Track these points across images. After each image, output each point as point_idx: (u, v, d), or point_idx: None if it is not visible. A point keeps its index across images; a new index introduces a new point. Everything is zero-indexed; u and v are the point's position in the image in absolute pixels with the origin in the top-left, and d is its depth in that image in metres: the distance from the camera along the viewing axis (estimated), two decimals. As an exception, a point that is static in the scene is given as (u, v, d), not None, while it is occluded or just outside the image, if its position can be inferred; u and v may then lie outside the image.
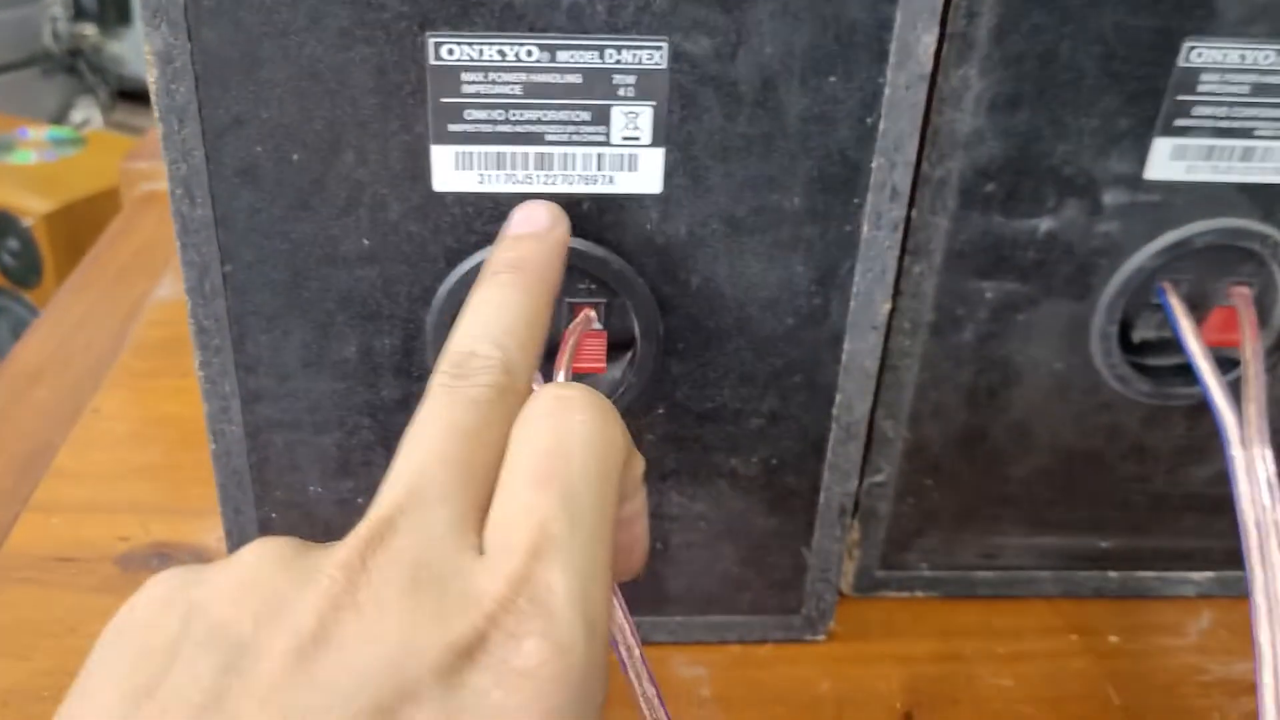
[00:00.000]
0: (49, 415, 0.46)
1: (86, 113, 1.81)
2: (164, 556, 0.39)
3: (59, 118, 1.80)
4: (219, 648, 0.18)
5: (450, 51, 0.27)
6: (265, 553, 0.19)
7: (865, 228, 0.31)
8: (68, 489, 0.42)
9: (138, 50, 1.72)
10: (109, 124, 1.80)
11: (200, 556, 0.39)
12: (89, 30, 1.81)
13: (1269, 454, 0.32)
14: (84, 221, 1.29)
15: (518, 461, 0.21)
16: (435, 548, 0.19)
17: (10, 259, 1.35)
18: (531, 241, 0.27)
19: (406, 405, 0.32)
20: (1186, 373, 0.34)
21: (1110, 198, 0.33)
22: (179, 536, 0.40)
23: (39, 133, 1.47)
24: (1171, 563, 0.40)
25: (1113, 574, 0.40)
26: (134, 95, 1.82)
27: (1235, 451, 0.32)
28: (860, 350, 0.32)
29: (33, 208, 1.30)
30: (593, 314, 0.31)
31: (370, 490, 0.33)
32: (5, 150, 1.41)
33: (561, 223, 0.28)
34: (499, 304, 0.25)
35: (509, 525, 0.20)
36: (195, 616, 0.19)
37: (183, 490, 0.42)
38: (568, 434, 0.21)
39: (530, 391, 0.23)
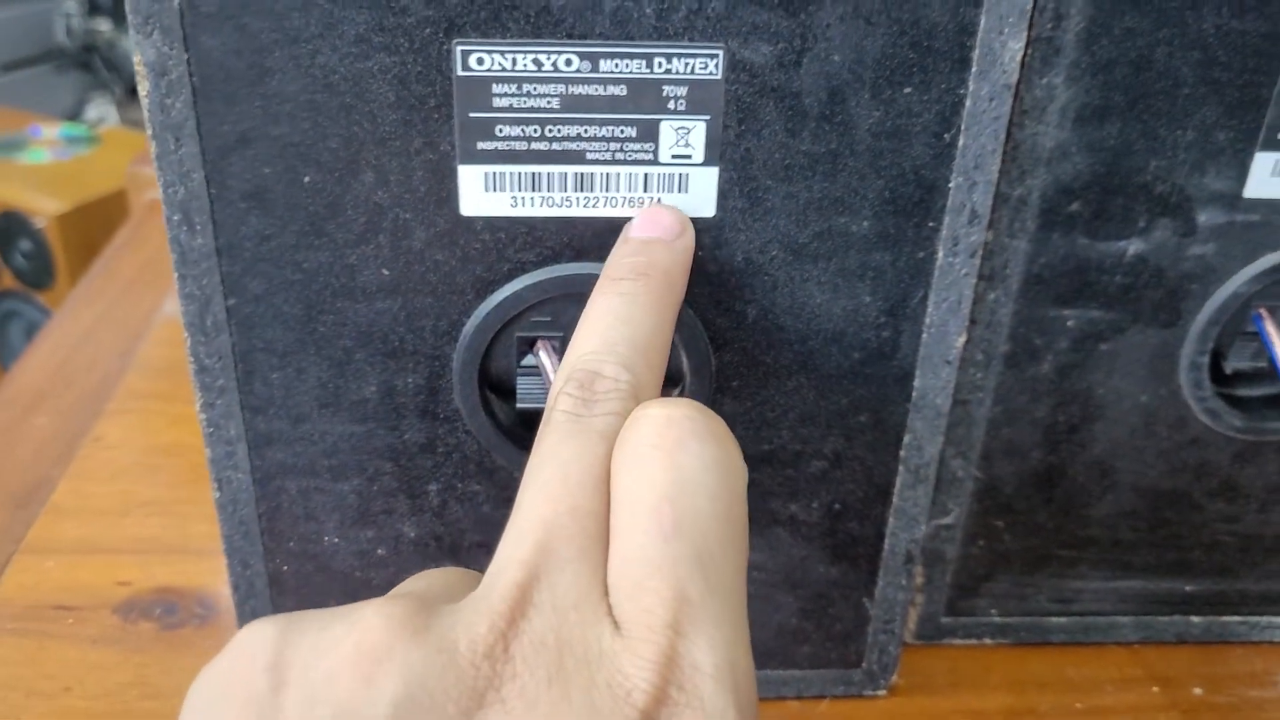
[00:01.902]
0: (48, 445, 0.43)
1: (101, 109, 1.79)
2: (169, 605, 0.36)
3: (73, 114, 1.78)
4: None
5: (480, 61, 0.24)
6: (391, 618, 0.17)
7: (940, 254, 0.28)
8: (65, 527, 0.39)
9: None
10: (124, 121, 1.77)
11: (207, 604, 0.36)
12: (103, 26, 1.79)
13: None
14: (97, 222, 1.26)
15: (636, 506, 0.19)
16: (575, 624, 0.18)
17: (23, 260, 1.33)
18: (658, 247, 0.24)
19: (432, 449, 0.29)
20: (1286, 406, 0.31)
21: (1206, 217, 0.30)
22: (185, 580, 0.37)
23: (51, 130, 1.45)
24: (1260, 607, 0.37)
25: (1196, 619, 0.37)
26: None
27: (1348, 498, 0.29)
28: (932, 387, 0.29)
29: (45, 208, 1.28)
30: (637, 349, 0.28)
31: (393, 541, 0.30)
32: (17, 149, 1.39)
33: (689, 229, 0.25)
34: (624, 317, 0.22)
35: (641, 590, 0.18)
36: (315, 691, 0.17)
37: (189, 527, 0.39)
38: (688, 470, 0.19)
39: None
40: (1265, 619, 0.37)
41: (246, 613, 0.31)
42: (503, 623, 0.17)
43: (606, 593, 0.18)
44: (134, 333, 0.51)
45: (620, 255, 0.24)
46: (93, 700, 0.33)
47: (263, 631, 0.18)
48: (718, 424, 0.20)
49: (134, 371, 0.48)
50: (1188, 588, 0.36)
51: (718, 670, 0.17)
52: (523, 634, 0.17)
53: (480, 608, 0.18)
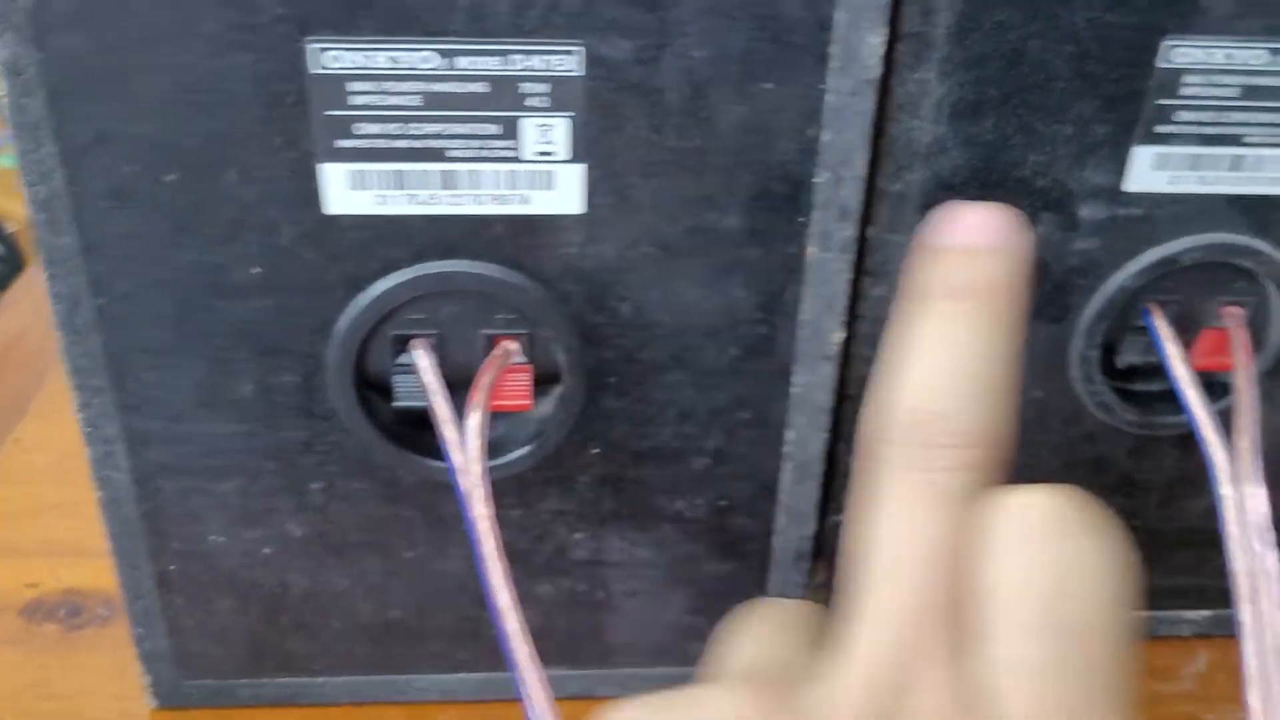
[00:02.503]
0: (-35, 446, 0.43)
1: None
2: (73, 606, 0.36)
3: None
4: None
5: (335, 59, 0.24)
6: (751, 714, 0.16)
7: (812, 249, 0.28)
8: (-23, 529, 0.39)
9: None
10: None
11: (110, 605, 0.36)
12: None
13: (1262, 493, 0.29)
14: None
15: (1022, 601, 0.17)
16: None
17: (-6, 263, 1.33)
18: (989, 258, 0.20)
19: (312, 448, 0.29)
20: (1177, 400, 0.31)
21: (1088, 212, 0.30)
22: (91, 582, 0.37)
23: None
24: (1165, 601, 0.37)
25: (1100, 615, 0.37)
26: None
27: (1225, 490, 0.29)
28: (811, 383, 0.29)
29: (16, 212, 1.28)
30: (513, 347, 0.28)
31: (279, 540, 0.30)
32: (-11, 155, 1.38)
33: (1024, 230, 0.21)
34: (959, 344, 0.19)
35: (1027, 693, 0.16)
36: None
37: (96, 529, 0.39)
38: (1082, 569, 0.17)
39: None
40: (1172, 614, 0.37)
41: (138, 611, 0.31)
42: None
43: (978, 688, 0.17)
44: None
45: (941, 267, 0.20)
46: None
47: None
48: (1100, 517, 0.18)
49: (57, 373, 0.48)
50: (1091, 583, 0.36)
51: None
52: None
53: (850, 705, 0.16)
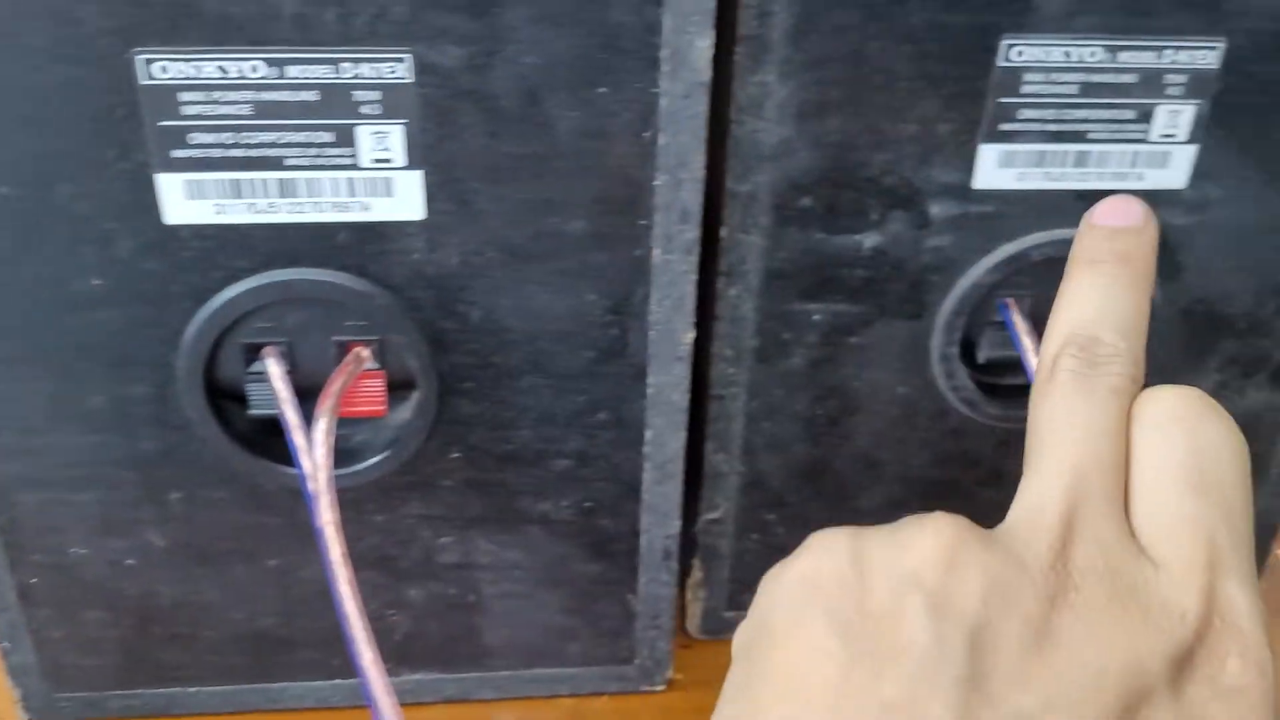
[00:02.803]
0: None
1: None
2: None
3: None
4: (954, 621, 0.19)
5: (163, 69, 0.25)
6: (959, 526, 0.20)
7: (657, 251, 0.28)
8: None
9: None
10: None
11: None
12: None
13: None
14: None
15: (1166, 466, 0.21)
16: (1117, 556, 0.20)
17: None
18: (1131, 236, 0.25)
19: (168, 457, 0.29)
20: (1035, 394, 0.32)
21: (938, 210, 0.30)
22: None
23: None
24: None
25: (980, 606, 0.38)
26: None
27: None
28: (666, 383, 0.30)
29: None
30: (365, 353, 0.28)
31: (142, 550, 0.30)
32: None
33: (1154, 220, 0.26)
34: (1112, 295, 0.24)
35: (1175, 535, 0.20)
36: (902, 578, 0.19)
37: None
38: (1213, 442, 0.21)
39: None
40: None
41: (2, 625, 0.31)
42: (1059, 544, 0.20)
43: (1134, 536, 0.20)
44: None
45: (1093, 239, 0.25)
46: None
47: (835, 536, 0.21)
48: (1225, 411, 0.22)
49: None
50: (968, 575, 0.37)
51: (1251, 606, 0.19)
52: (1076, 557, 0.20)
53: (1035, 533, 0.20)
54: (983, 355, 0.33)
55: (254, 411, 0.28)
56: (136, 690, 0.33)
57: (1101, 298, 0.24)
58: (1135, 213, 0.26)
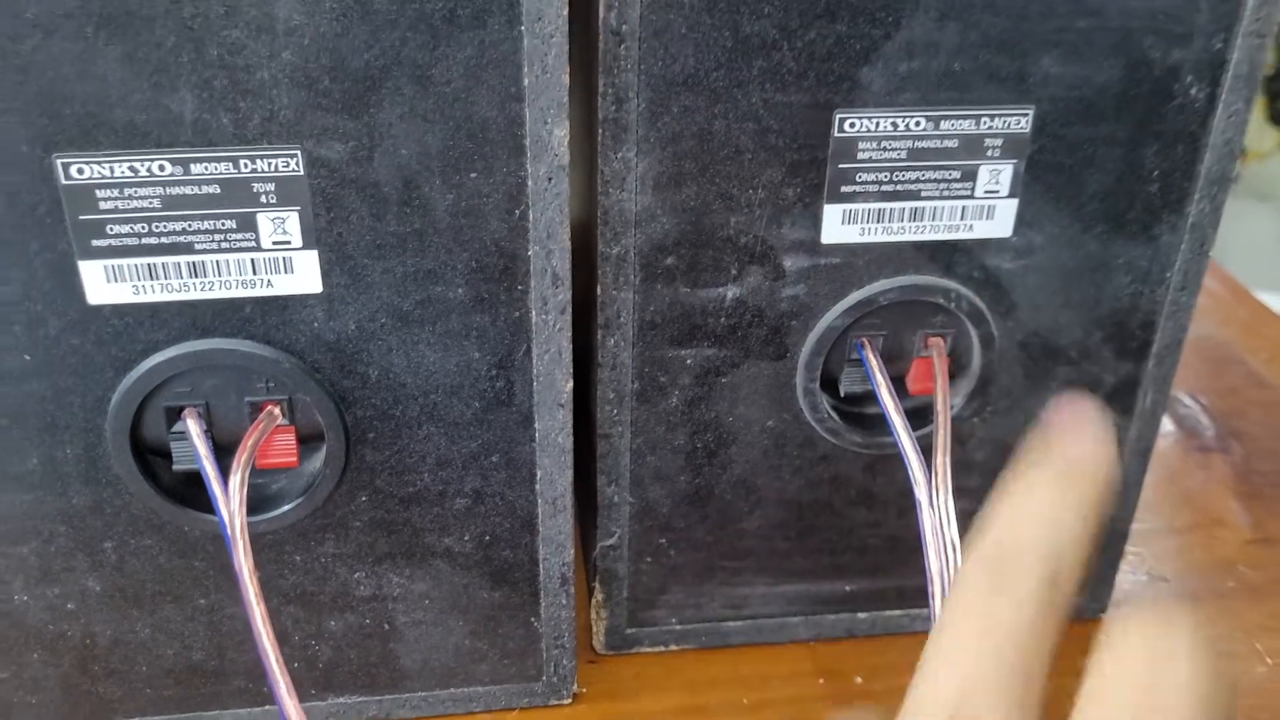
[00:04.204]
0: None
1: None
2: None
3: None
4: None
5: (80, 170, 0.28)
6: None
7: (534, 313, 0.31)
8: None
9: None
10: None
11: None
12: None
13: (952, 506, 0.33)
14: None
15: (1104, 709, 0.19)
16: None
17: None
18: (1093, 446, 0.23)
19: (100, 510, 0.32)
20: (891, 423, 0.35)
21: (791, 263, 0.34)
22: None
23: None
24: (917, 601, 0.41)
25: (862, 615, 0.41)
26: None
27: (922, 502, 0.33)
28: (551, 428, 0.33)
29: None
30: (276, 411, 0.31)
31: (79, 595, 0.33)
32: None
33: (1105, 422, 0.24)
34: (1054, 505, 0.22)
35: None
36: None
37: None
38: (1178, 693, 0.18)
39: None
40: (922, 611, 0.41)
41: (-48, 670, 0.34)
42: None
43: None
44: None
45: (1046, 446, 0.23)
46: None
47: None
48: (1216, 649, 0.19)
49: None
50: (848, 587, 0.40)
51: None
52: None
53: None
54: (843, 389, 0.36)
55: (178, 467, 0.31)
56: (81, 723, 0.36)
57: (1040, 509, 0.22)
58: (1082, 418, 0.24)
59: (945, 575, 0.32)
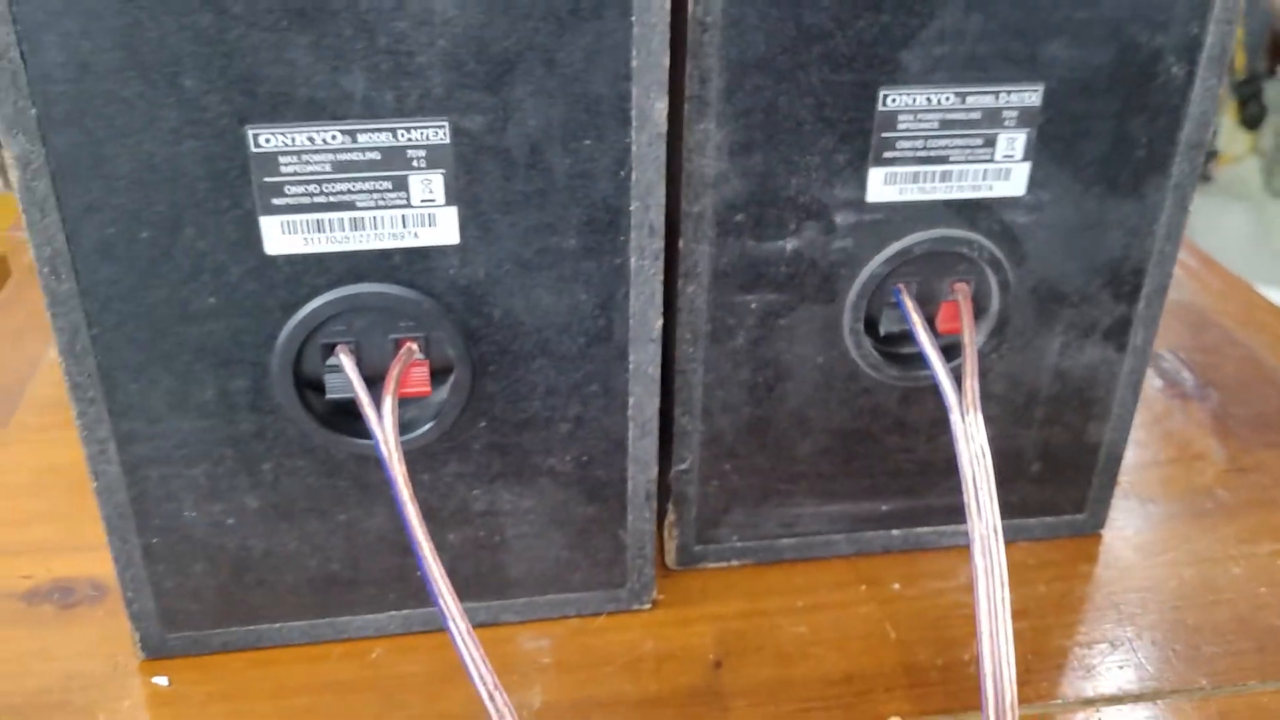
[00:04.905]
0: (-49, 474, 0.51)
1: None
2: (65, 589, 0.44)
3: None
4: None
5: (267, 140, 0.33)
6: None
7: (633, 260, 0.37)
8: (-27, 537, 0.47)
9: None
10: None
11: (98, 586, 0.44)
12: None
13: (980, 419, 0.39)
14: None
15: None
16: None
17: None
18: None
19: (262, 436, 0.38)
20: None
21: (841, 219, 0.40)
22: (77, 571, 0.45)
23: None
24: (943, 518, 0.47)
25: (895, 532, 0.47)
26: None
27: (955, 418, 0.39)
28: (643, 360, 0.39)
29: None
30: (414, 346, 0.37)
31: (239, 511, 0.39)
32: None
33: None
34: None
35: None
36: None
37: (78, 530, 0.47)
38: None
39: None
40: (949, 528, 0.48)
41: (127, 579, 0.40)
42: None
43: None
44: (22, 376, 0.58)
45: None
46: (4, 665, 0.41)
47: None
48: None
49: (23, 409, 0.55)
50: (884, 507, 0.47)
51: None
52: None
53: None
54: (883, 329, 0.43)
55: (331, 396, 0.37)
56: (231, 628, 0.41)
57: None
58: None
59: (977, 476, 0.38)
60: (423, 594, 0.42)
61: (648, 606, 0.44)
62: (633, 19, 0.34)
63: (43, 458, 0.52)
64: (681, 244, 0.39)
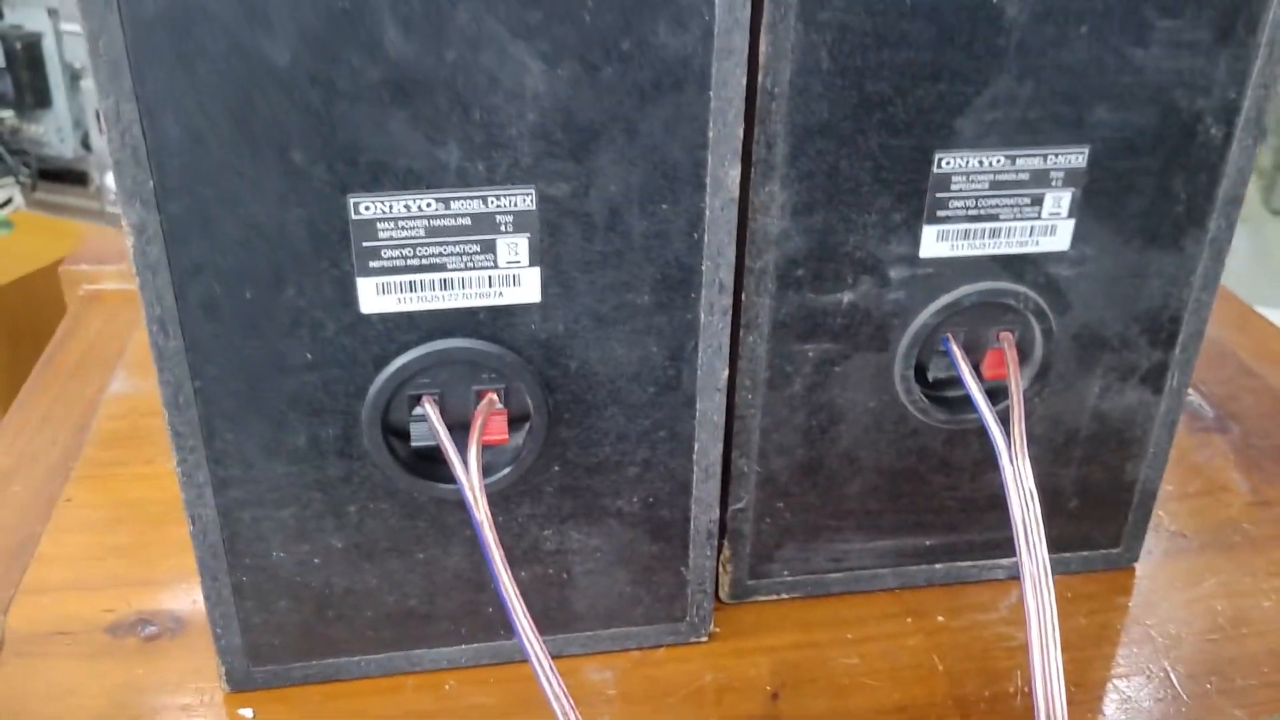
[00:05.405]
0: (28, 508, 0.53)
1: (9, 192, 1.83)
2: (146, 623, 0.46)
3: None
4: None
5: (367, 208, 0.35)
6: None
7: (702, 315, 0.39)
8: (53, 571, 0.49)
9: (57, 131, 1.75)
10: (31, 204, 1.82)
11: (178, 620, 0.46)
12: (5, 114, 1.83)
13: (1028, 465, 0.41)
14: (20, 303, 1.33)
15: None
16: None
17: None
18: None
19: (349, 480, 0.40)
20: (971, 402, 0.43)
21: (895, 273, 0.42)
22: (158, 605, 0.47)
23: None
24: (984, 553, 0.50)
25: (939, 566, 0.49)
26: (55, 174, 1.85)
27: (1005, 464, 0.41)
28: (709, 408, 0.41)
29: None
30: (494, 396, 0.39)
31: (324, 551, 0.41)
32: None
33: None
34: None
35: None
36: None
37: (156, 564, 0.49)
38: None
39: None
40: (989, 562, 0.50)
41: (216, 615, 0.42)
42: None
43: None
44: (86, 411, 0.60)
45: None
46: (92, 699, 0.43)
47: None
48: None
49: (91, 444, 0.57)
50: (928, 542, 0.49)
51: None
52: None
53: None
54: (932, 375, 0.45)
55: (416, 443, 0.39)
56: (312, 661, 0.43)
57: None
58: None
59: (1027, 519, 0.40)
60: (494, 628, 0.44)
61: (705, 639, 0.46)
62: (710, 93, 0.36)
63: (116, 493, 0.54)
64: (744, 297, 0.41)
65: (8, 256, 1.39)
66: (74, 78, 1.78)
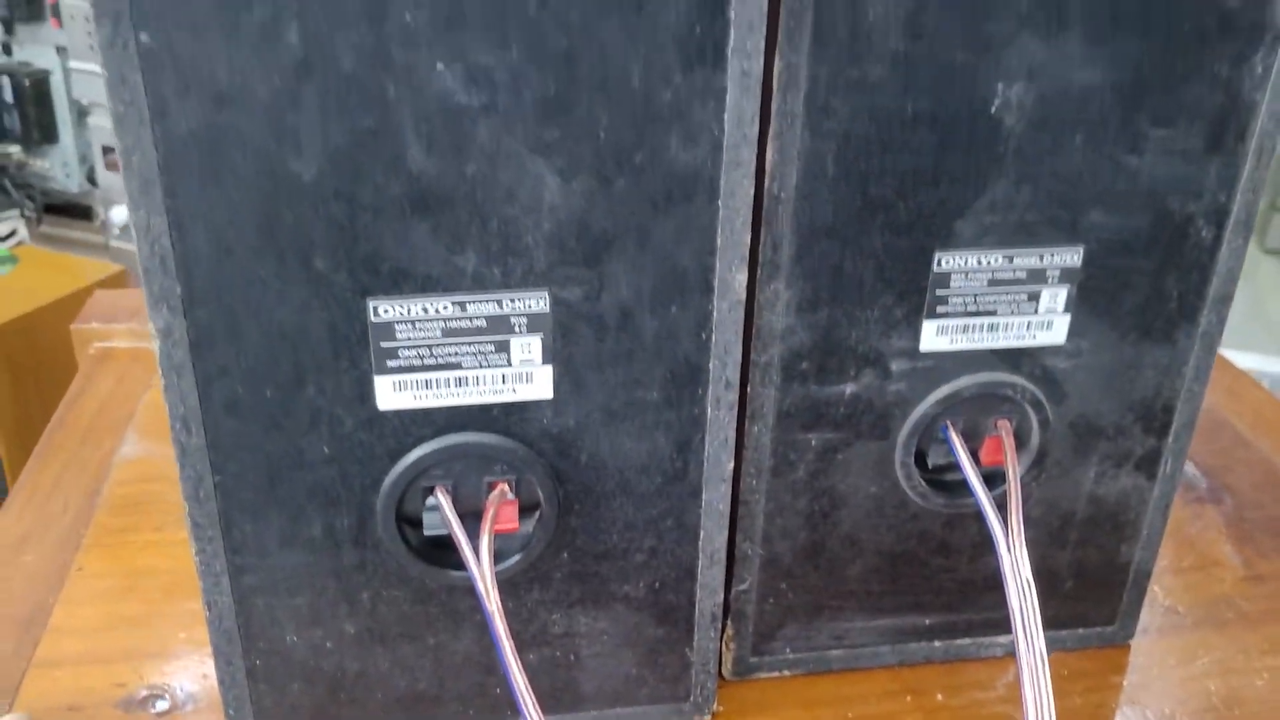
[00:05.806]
0: (39, 577, 0.53)
1: (13, 224, 1.85)
2: (159, 697, 0.47)
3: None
4: None
5: (386, 311, 0.37)
6: None
7: (709, 409, 0.40)
8: (66, 644, 0.50)
9: (63, 165, 1.76)
10: (35, 237, 1.84)
11: (192, 696, 0.47)
12: (12, 149, 1.85)
13: (1025, 554, 0.42)
14: (24, 339, 1.34)
15: None
16: None
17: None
18: None
19: (363, 568, 0.41)
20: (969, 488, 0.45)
21: (896, 365, 0.43)
22: (170, 679, 0.48)
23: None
24: (982, 631, 0.50)
25: (937, 643, 0.50)
26: (60, 209, 1.86)
27: (1002, 552, 0.42)
28: (714, 497, 0.42)
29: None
30: (506, 487, 0.40)
31: (337, 636, 0.42)
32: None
33: None
34: None
35: None
36: None
37: (167, 636, 0.50)
38: None
39: None
40: (987, 639, 0.51)
41: (230, 697, 0.42)
42: None
43: None
44: (97, 476, 0.61)
45: None
46: (108, 777, 0.44)
47: None
48: None
49: (102, 509, 0.58)
50: (927, 621, 0.50)
51: None
52: None
53: None
54: (931, 462, 0.46)
55: (428, 532, 0.40)
56: (323, 742, 0.44)
57: None
58: None
59: (1023, 607, 0.41)
60: (502, 709, 0.45)
61: (708, 718, 0.47)
62: (719, 203, 0.37)
63: (127, 561, 0.54)
64: (749, 388, 0.43)
65: (11, 293, 1.40)
66: (81, 114, 1.80)
